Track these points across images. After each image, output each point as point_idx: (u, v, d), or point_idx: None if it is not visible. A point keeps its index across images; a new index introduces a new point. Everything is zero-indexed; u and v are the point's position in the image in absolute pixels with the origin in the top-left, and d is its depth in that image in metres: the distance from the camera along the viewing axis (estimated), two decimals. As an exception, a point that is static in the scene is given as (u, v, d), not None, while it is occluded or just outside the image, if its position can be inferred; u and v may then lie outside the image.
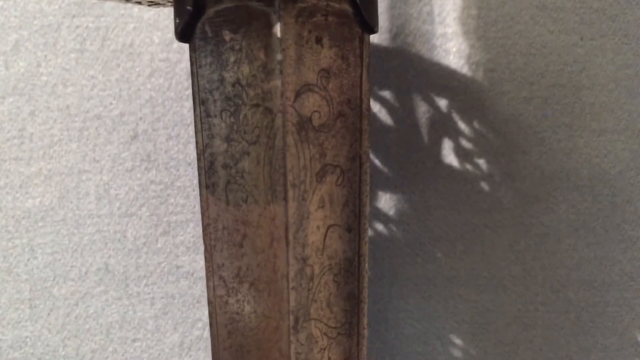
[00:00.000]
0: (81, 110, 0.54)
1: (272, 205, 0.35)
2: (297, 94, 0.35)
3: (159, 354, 0.57)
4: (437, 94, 0.54)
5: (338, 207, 0.37)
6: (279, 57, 0.35)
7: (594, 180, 0.53)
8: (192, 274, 0.55)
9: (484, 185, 0.54)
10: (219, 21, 0.36)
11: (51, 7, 0.53)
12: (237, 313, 0.37)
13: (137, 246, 0.55)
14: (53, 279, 0.56)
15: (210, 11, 0.36)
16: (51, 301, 0.56)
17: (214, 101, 0.37)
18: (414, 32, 0.53)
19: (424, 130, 0.54)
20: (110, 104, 0.54)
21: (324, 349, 0.37)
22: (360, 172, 0.37)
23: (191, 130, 0.54)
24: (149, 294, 0.56)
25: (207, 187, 0.37)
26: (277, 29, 0.35)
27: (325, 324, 0.37)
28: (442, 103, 0.53)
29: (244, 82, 0.36)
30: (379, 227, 0.55)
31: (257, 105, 0.36)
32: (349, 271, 0.37)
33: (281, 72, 0.35)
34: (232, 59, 0.36)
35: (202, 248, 0.55)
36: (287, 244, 0.35)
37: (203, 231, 0.38)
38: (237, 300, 0.37)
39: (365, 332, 0.38)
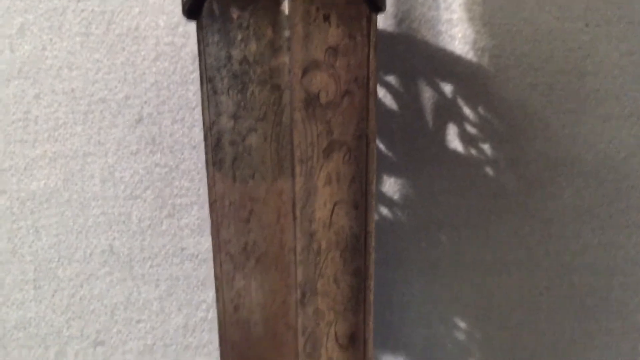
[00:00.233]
0: (86, 94, 0.54)
1: (279, 181, 0.35)
2: (305, 71, 0.35)
3: (163, 335, 0.57)
4: (443, 79, 0.54)
5: (345, 184, 0.37)
6: (286, 34, 0.35)
7: (598, 166, 0.54)
8: (197, 256, 0.55)
9: (489, 171, 0.54)
10: (226, -1, 0.36)
11: (57, -10, 0.53)
12: (244, 288, 0.37)
13: (142, 228, 0.55)
14: (58, 260, 0.56)
15: (218, -12, 0.36)
16: (56, 282, 0.56)
17: (221, 79, 0.37)
18: (420, 18, 0.53)
19: (429, 116, 0.54)
20: (115, 87, 0.54)
21: (331, 324, 0.37)
22: (367, 150, 0.37)
23: (196, 113, 0.54)
24: (153, 275, 0.56)
25: (214, 164, 0.37)
26: (285, 6, 0.35)
27: (332, 299, 0.37)
28: (447, 88, 0.53)
29: (251, 60, 0.36)
30: (384, 211, 0.55)
31: (264, 82, 0.36)
32: (356, 248, 0.37)
33: (289, 48, 0.35)
34: (239, 36, 0.36)
35: (207, 230, 0.55)
36: (295, 219, 0.35)
37: (210, 208, 0.38)
38: (244, 276, 0.37)
39: (372, 309, 0.38)
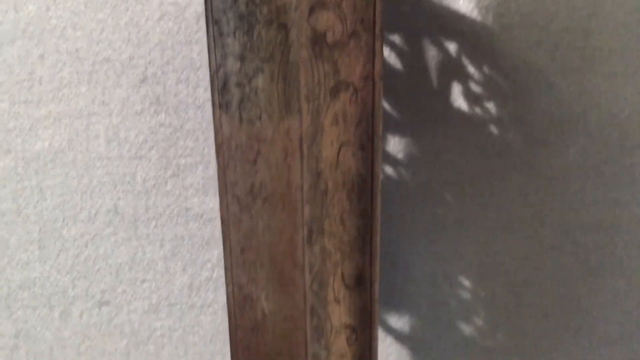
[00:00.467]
0: (90, 54, 0.54)
1: (286, 120, 0.35)
2: (311, 10, 0.35)
3: (168, 295, 0.57)
4: (447, 38, 0.54)
5: (351, 126, 0.37)
6: (292, -27, 0.35)
7: (603, 123, 0.53)
8: (202, 216, 0.55)
9: (493, 129, 0.54)
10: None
11: (61, -51, 0.53)
12: (251, 230, 0.37)
13: (147, 188, 0.55)
14: (62, 221, 0.56)
15: None
16: (60, 242, 0.56)
17: (227, 21, 0.37)
18: (424, -22, 0.53)
19: (434, 75, 0.54)
20: (120, 47, 0.54)
21: (337, 264, 0.37)
22: (374, 93, 0.37)
23: (201, 73, 0.54)
24: (158, 235, 0.56)
25: (220, 106, 0.37)
26: (291, -54, 0.35)
27: (339, 240, 0.37)
28: (452, 47, 0.53)
29: (257, 0, 0.36)
30: (389, 170, 0.55)
31: (270, 22, 0.36)
32: (362, 189, 0.37)
33: (295, -13, 0.35)
34: (245, -23, 0.36)
35: (211, 191, 0.55)
36: (302, 156, 0.35)
37: (216, 151, 0.38)
38: (251, 217, 0.37)
39: (378, 251, 0.38)
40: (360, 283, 0.38)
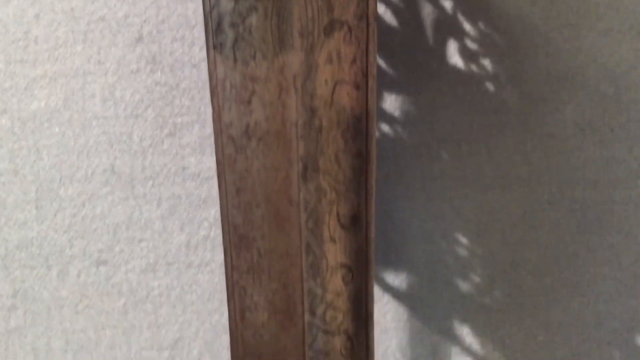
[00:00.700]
0: (85, 13, 0.54)
1: (281, 56, 0.35)
2: (304, -54, 0.35)
3: (166, 254, 0.57)
4: (442, -5, 0.54)
5: (346, 64, 0.37)
6: None
7: (599, 79, 0.53)
8: (199, 175, 0.55)
9: (489, 86, 0.54)
10: None
11: None
12: (246, 170, 0.37)
13: (143, 147, 0.55)
14: (59, 180, 0.56)
15: None
16: (57, 202, 0.56)
17: (221, -39, 0.37)
18: None
19: (429, 31, 0.54)
20: (115, 5, 0.54)
21: (333, 203, 0.37)
22: (368, 32, 0.37)
23: (196, 32, 0.54)
24: (155, 194, 0.56)
25: (214, 47, 0.37)
26: None
27: (334, 178, 0.37)
28: (447, 4, 0.53)
29: (250, -62, 0.36)
30: (385, 128, 0.55)
31: (264, -40, 0.36)
32: (357, 129, 0.37)
33: None
34: None
35: (208, 149, 0.55)
36: (296, 92, 0.35)
37: (211, 93, 0.38)
38: (246, 157, 0.37)
39: (374, 192, 0.38)
40: (356, 223, 0.38)
